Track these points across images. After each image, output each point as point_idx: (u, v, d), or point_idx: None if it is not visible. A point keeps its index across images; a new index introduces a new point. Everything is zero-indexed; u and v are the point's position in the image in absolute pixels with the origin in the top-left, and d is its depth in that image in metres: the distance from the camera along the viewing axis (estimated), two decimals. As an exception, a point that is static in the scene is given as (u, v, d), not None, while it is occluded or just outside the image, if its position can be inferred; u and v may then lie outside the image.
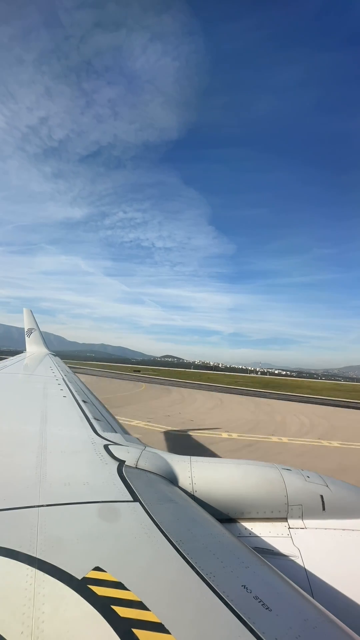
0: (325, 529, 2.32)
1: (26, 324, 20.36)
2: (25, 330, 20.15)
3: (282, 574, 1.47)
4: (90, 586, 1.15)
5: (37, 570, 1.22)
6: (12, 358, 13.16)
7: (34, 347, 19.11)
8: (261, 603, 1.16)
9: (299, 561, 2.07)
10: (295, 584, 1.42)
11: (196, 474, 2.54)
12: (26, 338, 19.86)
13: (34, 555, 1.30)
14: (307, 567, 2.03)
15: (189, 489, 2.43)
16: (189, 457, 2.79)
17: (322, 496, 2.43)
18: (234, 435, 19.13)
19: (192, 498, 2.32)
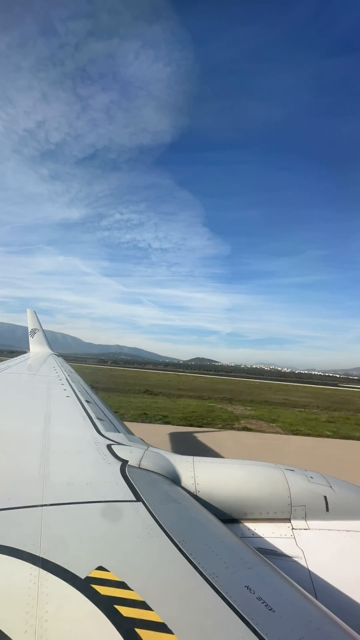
0: (329, 530, 2.31)
1: (30, 325, 20.30)
2: (29, 330, 20.06)
3: (285, 575, 1.47)
4: (93, 585, 1.16)
5: (40, 569, 1.22)
6: (15, 358, 13.32)
7: (37, 348, 19.05)
8: (264, 604, 1.16)
9: (302, 562, 2.07)
10: (299, 585, 1.42)
11: (199, 474, 2.53)
12: (30, 338, 19.61)
13: (37, 554, 1.30)
14: (310, 569, 2.03)
15: (192, 489, 2.43)
16: (192, 457, 2.77)
17: (325, 497, 2.42)
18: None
19: (195, 498, 2.32)
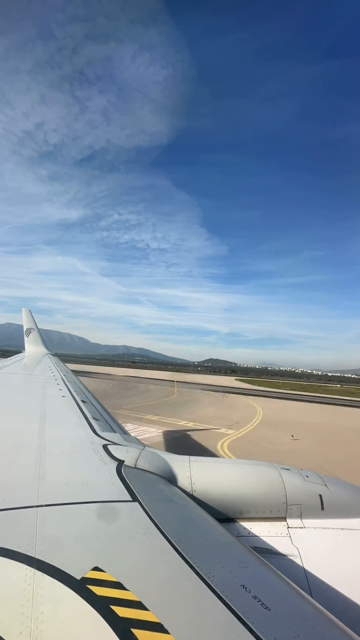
0: (324, 528, 2.33)
1: (25, 324, 20.22)
2: (24, 330, 19.95)
3: (281, 574, 1.47)
4: (89, 586, 1.15)
5: (36, 570, 1.22)
6: (10, 358, 13.16)
7: (32, 347, 18.87)
8: (260, 603, 1.16)
9: (297, 561, 2.08)
10: (294, 583, 1.43)
11: (195, 473, 2.54)
12: (25, 338, 19.39)
13: (32, 555, 1.29)
14: (305, 567, 2.04)
15: (188, 489, 2.43)
16: (187, 456, 2.77)
17: (320, 496, 2.44)
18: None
19: (191, 498, 2.33)
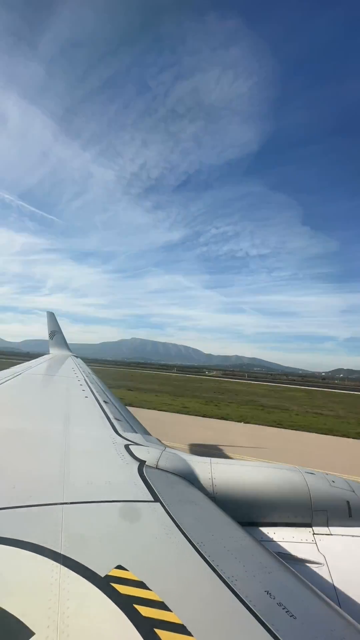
0: (352, 536, 2.23)
1: (49, 327, 20.62)
2: (49, 332, 20.44)
3: (307, 581, 1.42)
4: (112, 584, 1.16)
5: (62, 566, 1.24)
6: (36, 360, 13.60)
7: (57, 350, 19.59)
8: (285, 610, 1.13)
9: (324, 569, 1.99)
10: (321, 592, 1.37)
11: (217, 475, 2.51)
12: (49, 340, 20.19)
13: (58, 551, 1.32)
14: (333, 575, 1.95)
15: (210, 491, 2.41)
16: (209, 458, 2.76)
17: (348, 502, 2.36)
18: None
19: (212, 500, 2.27)
